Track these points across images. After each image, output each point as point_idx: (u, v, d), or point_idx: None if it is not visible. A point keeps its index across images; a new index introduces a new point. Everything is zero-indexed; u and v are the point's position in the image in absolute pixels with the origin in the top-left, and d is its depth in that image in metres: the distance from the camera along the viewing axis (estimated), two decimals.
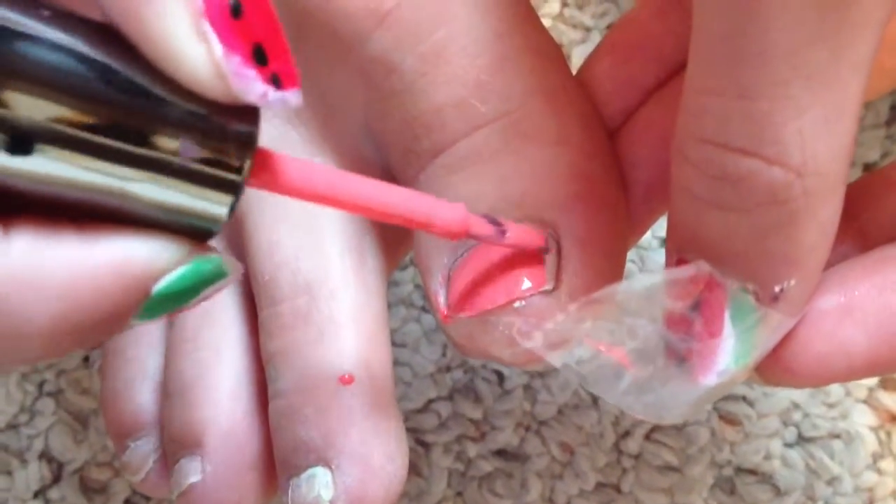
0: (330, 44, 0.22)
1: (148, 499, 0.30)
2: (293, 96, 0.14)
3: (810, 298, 0.18)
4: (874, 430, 0.30)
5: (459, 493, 0.30)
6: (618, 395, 0.18)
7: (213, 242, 0.25)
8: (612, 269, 0.20)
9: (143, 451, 0.24)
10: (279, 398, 0.22)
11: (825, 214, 0.17)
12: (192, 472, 0.23)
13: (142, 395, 0.24)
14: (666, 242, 0.19)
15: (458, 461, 0.30)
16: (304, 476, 0.22)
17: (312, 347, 0.22)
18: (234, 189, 0.14)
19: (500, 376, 0.30)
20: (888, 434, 0.30)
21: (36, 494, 0.30)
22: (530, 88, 0.21)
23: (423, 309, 0.31)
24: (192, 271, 0.15)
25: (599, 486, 0.30)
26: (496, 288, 0.20)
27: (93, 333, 0.14)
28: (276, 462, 0.22)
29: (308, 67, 0.22)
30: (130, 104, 0.13)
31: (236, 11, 0.13)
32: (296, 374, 0.22)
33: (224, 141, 0.14)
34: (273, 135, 0.23)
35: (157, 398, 0.24)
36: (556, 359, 0.18)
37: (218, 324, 0.23)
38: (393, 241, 0.24)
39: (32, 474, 0.30)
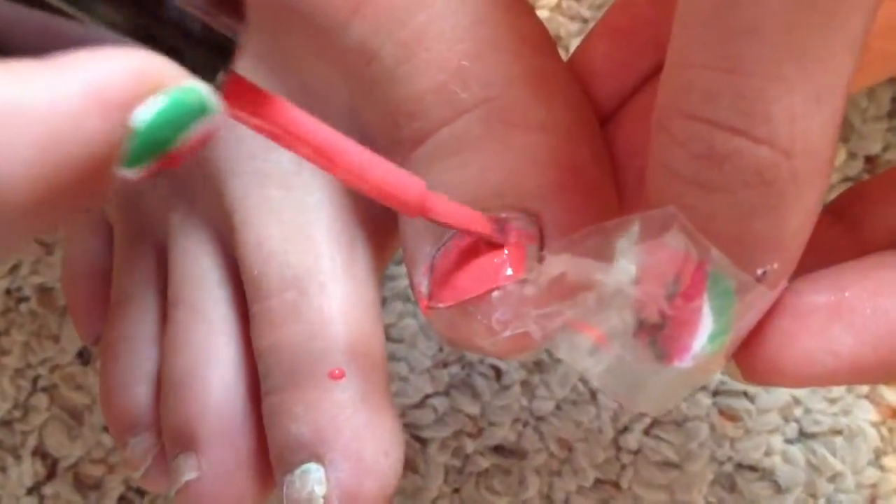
0: (310, 34, 0.21)
1: (142, 495, 0.30)
2: None
3: (794, 291, 0.18)
4: (876, 425, 0.29)
5: (456, 490, 0.30)
6: (593, 372, 0.18)
7: (201, 240, 0.24)
8: None
9: (143, 447, 0.24)
10: (271, 395, 0.22)
11: (811, 197, 0.16)
12: (189, 468, 0.22)
13: (140, 392, 0.24)
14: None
15: (455, 457, 0.30)
16: (297, 472, 0.21)
17: (302, 343, 0.22)
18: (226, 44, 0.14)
19: (498, 372, 0.30)
20: (890, 430, 0.29)
21: (30, 491, 0.30)
22: (513, 74, 0.20)
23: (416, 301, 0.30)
24: (174, 101, 0.13)
25: (598, 482, 0.29)
26: (476, 277, 0.19)
27: (79, 186, 0.12)
28: (271, 458, 0.22)
29: (290, 59, 0.22)
30: None
31: None
32: (286, 369, 0.22)
33: (206, 43, 0.14)
34: None
35: (155, 394, 0.24)
36: (536, 334, 0.18)
37: (210, 319, 0.23)
38: (385, 234, 0.23)
39: (26, 470, 0.30)
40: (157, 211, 0.25)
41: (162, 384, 0.23)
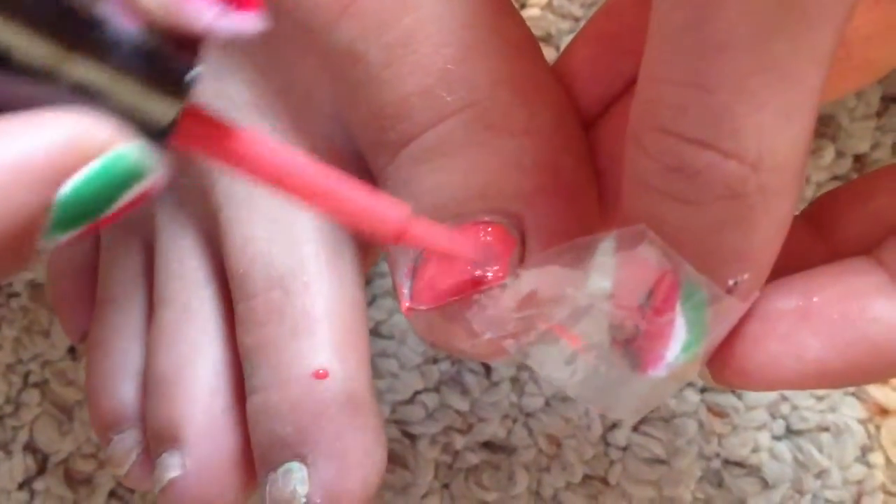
0: (296, 35, 0.21)
1: (132, 491, 0.30)
2: (247, 21, 0.13)
3: (763, 295, 0.18)
4: (863, 422, 0.29)
5: (446, 486, 0.30)
6: (570, 383, 0.18)
7: (188, 237, 0.24)
8: None
9: (127, 444, 0.24)
10: (255, 394, 0.22)
11: (781, 210, 0.16)
12: (173, 466, 0.22)
13: (124, 389, 0.24)
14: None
15: (445, 453, 0.30)
16: (280, 471, 0.21)
17: (286, 342, 0.22)
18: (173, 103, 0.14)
19: (488, 368, 0.30)
20: (877, 427, 0.29)
21: (21, 486, 0.30)
22: (498, 78, 0.20)
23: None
24: (104, 171, 0.13)
25: (587, 478, 0.30)
26: (457, 280, 0.20)
27: (1, 253, 0.12)
28: (254, 457, 0.22)
29: (276, 59, 0.22)
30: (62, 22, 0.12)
31: None
32: (270, 369, 0.22)
33: (164, 72, 0.13)
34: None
35: (141, 391, 0.24)
36: (511, 347, 0.18)
37: (196, 318, 0.23)
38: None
39: (17, 466, 0.30)
40: (143, 209, 0.25)
41: (147, 382, 0.24)
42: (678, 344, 0.17)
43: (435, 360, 0.30)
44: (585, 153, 0.21)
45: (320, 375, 0.21)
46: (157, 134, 0.14)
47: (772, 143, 0.15)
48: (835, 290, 0.18)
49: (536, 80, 0.21)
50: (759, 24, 0.15)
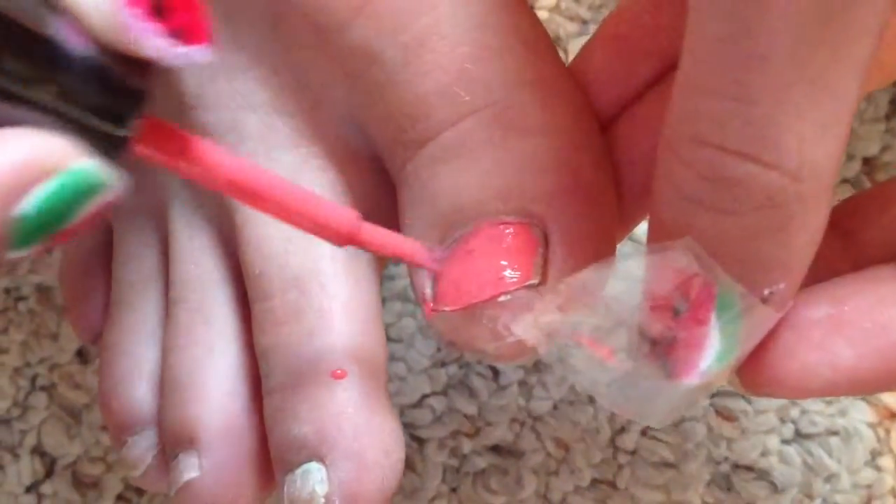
0: (311, 35, 0.21)
1: (140, 494, 0.30)
2: (197, 53, 0.14)
3: (794, 304, 0.18)
4: (872, 426, 0.29)
5: (454, 490, 0.30)
6: (601, 390, 0.18)
7: (203, 238, 0.24)
8: (598, 258, 0.20)
9: (142, 446, 0.24)
10: (272, 394, 0.22)
11: (817, 219, 0.16)
12: (190, 468, 0.22)
13: (139, 391, 0.24)
14: (647, 242, 0.18)
15: (453, 457, 0.30)
16: (298, 472, 0.21)
17: (303, 342, 0.22)
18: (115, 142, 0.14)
19: (496, 372, 0.30)
20: (887, 431, 0.29)
21: (28, 489, 0.30)
22: (516, 78, 0.20)
23: (419, 304, 0.30)
24: (63, 186, 0.13)
25: (595, 482, 0.30)
26: (482, 281, 0.19)
27: None
28: (272, 458, 0.22)
29: (291, 59, 0.22)
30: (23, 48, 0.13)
31: None
32: (287, 369, 0.22)
33: (114, 94, 0.14)
34: (258, 126, 0.22)
35: (155, 393, 0.24)
36: (542, 349, 0.18)
37: (212, 319, 0.23)
38: None
39: (25, 469, 0.30)
40: (157, 210, 0.25)
41: (163, 383, 0.23)
42: (712, 352, 0.17)
43: (443, 364, 0.30)
44: (604, 153, 0.21)
45: (338, 376, 0.21)
46: (113, 148, 0.14)
47: (812, 153, 0.15)
48: (865, 299, 0.18)
49: (554, 80, 0.21)
50: (801, 35, 0.15)
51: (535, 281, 0.19)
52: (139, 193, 0.25)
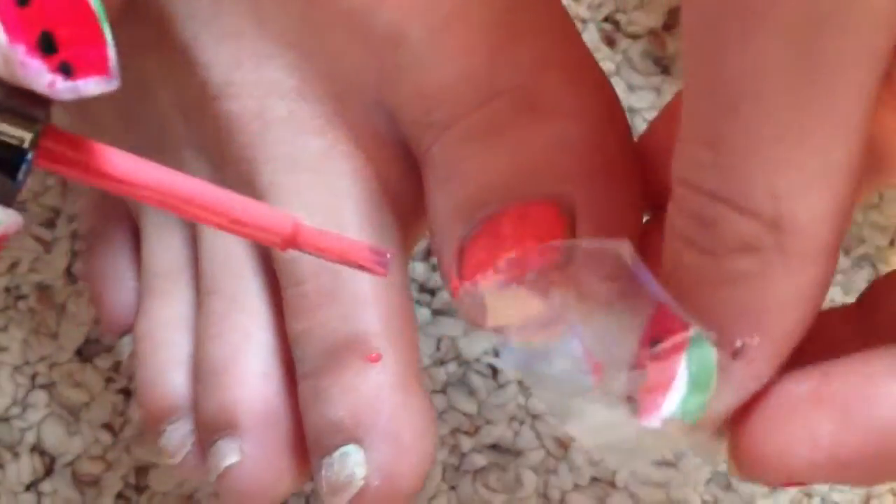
0: (339, 19, 0.21)
1: (140, 492, 0.30)
2: (90, 84, 0.14)
3: (776, 368, 0.17)
4: None
5: (453, 488, 0.30)
6: (568, 405, 0.18)
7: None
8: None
9: (180, 434, 0.24)
10: (307, 378, 0.22)
11: (804, 275, 0.16)
12: (230, 453, 0.22)
13: (176, 379, 0.24)
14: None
15: (452, 455, 0.30)
16: (335, 455, 0.21)
17: (338, 326, 0.22)
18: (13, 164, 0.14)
19: (495, 370, 0.30)
20: None
21: (28, 487, 0.30)
22: (543, 61, 0.20)
23: (419, 302, 0.30)
24: None
25: (594, 480, 0.30)
26: (509, 261, 0.19)
27: None
28: (308, 443, 0.22)
29: (320, 44, 0.22)
30: None
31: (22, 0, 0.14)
32: (322, 353, 0.22)
33: (14, 106, 0.14)
34: (285, 113, 0.23)
35: (191, 382, 0.24)
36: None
37: (246, 306, 0.23)
38: (411, 217, 0.23)
39: (24, 467, 0.30)
40: None
41: (198, 372, 0.23)
42: (677, 397, 0.17)
43: (442, 363, 0.30)
44: (628, 134, 0.21)
45: (373, 358, 0.21)
46: (14, 161, 0.14)
47: (791, 206, 0.15)
48: (854, 375, 0.17)
49: (579, 63, 0.21)
50: (775, 90, 0.14)
51: (562, 261, 0.19)
52: None
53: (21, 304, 0.31)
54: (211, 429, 0.23)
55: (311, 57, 0.22)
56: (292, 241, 0.17)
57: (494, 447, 0.30)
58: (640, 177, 0.21)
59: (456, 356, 0.30)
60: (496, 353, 0.30)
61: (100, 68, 0.14)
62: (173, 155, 0.24)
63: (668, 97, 0.32)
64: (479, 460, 0.30)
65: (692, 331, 0.17)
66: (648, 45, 0.32)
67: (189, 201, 0.16)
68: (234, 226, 0.17)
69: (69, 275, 0.31)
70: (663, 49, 0.32)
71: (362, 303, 0.22)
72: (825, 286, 0.16)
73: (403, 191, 0.23)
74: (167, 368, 0.24)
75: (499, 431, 0.30)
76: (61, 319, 0.31)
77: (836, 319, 0.19)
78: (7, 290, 0.31)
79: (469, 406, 0.30)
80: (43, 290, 0.31)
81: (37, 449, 0.30)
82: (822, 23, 0.14)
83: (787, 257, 0.15)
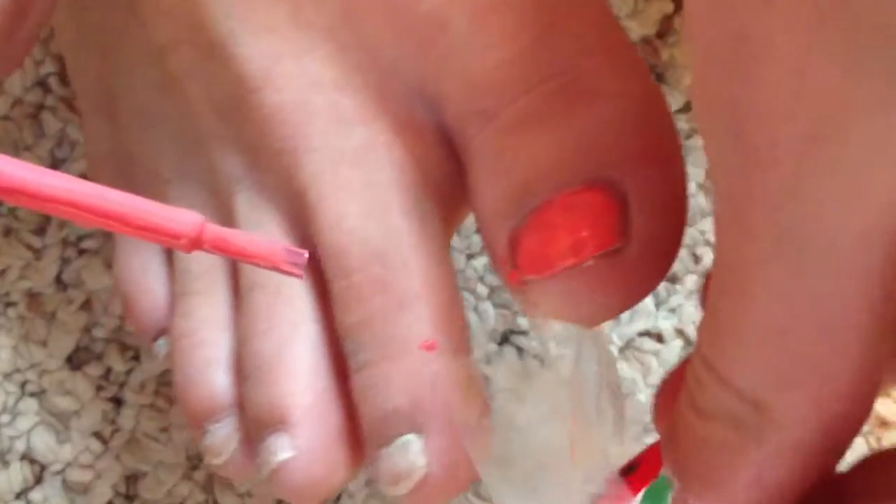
0: (378, 7, 0.21)
1: (130, 500, 0.30)
2: None
3: None
4: (864, 435, 0.29)
5: None
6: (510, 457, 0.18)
7: (271, 221, 0.24)
8: (676, 223, 0.20)
9: (225, 432, 0.24)
10: (363, 370, 0.22)
11: (780, 469, 0.16)
12: (282, 448, 0.22)
13: (219, 377, 0.24)
14: None
15: None
16: (396, 444, 0.21)
17: (392, 316, 0.22)
18: None
19: (486, 378, 0.30)
20: (878, 439, 0.29)
21: (18, 496, 0.30)
22: (588, 46, 0.20)
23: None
24: None
25: None
26: (564, 248, 0.19)
27: None
28: (364, 434, 0.22)
29: (359, 34, 0.22)
30: None
31: None
32: (377, 344, 0.22)
33: None
34: (326, 105, 0.22)
35: (234, 380, 0.24)
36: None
37: (292, 301, 0.23)
38: (452, 205, 0.23)
39: (14, 476, 0.30)
40: (217, 197, 0.24)
41: (244, 369, 0.23)
42: None
43: None
44: (671, 119, 0.21)
45: (428, 347, 0.21)
46: None
47: (768, 398, 0.15)
48: None
49: (620, 47, 0.21)
50: (755, 290, 0.15)
51: (618, 245, 0.19)
52: (194, 182, 0.25)
53: (11, 312, 0.31)
54: (261, 425, 0.23)
55: (349, 48, 0.22)
56: (198, 243, 0.17)
57: None
58: (683, 161, 0.21)
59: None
60: (488, 361, 0.30)
61: None
62: (200, 150, 0.24)
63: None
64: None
65: (663, 471, 0.17)
66: (642, 52, 0.31)
67: (84, 207, 0.16)
68: (134, 230, 0.16)
69: (59, 282, 0.31)
70: (657, 57, 0.32)
71: (414, 292, 0.22)
72: (806, 479, 0.16)
73: (443, 178, 0.23)
74: (209, 367, 0.24)
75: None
76: (51, 327, 0.31)
77: None
78: None
79: None
80: (33, 297, 0.31)
81: (27, 457, 0.30)
82: (806, 247, 0.14)
83: (762, 445, 0.15)
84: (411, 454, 0.21)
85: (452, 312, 0.22)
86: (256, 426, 0.23)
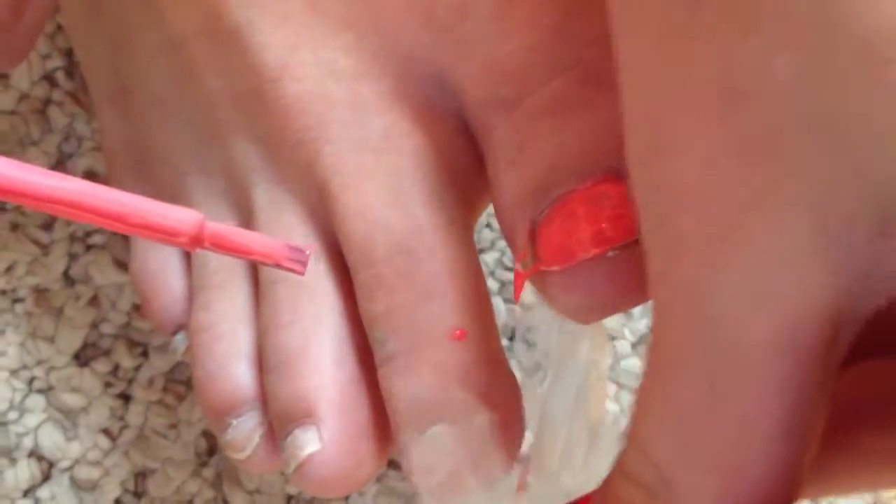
0: None
1: (139, 497, 0.30)
2: None
3: None
4: None
5: None
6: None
7: (291, 212, 0.24)
8: None
9: (248, 426, 0.23)
10: (391, 360, 0.22)
11: None
12: (310, 441, 0.22)
13: (240, 371, 0.24)
14: None
15: None
16: (427, 434, 0.21)
17: (420, 306, 0.22)
18: None
19: None
20: None
21: (26, 493, 0.30)
22: (603, 34, 0.20)
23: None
24: None
25: None
26: (585, 239, 0.19)
27: None
28: (394, 425, 0.22)
29: (377, 22, 0.22)
30: None
31: None
32: (407, 334, 0.22)
33: None
34: (345, 94, 0.22)
35: (255, 373, 0.24)
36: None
37: (315, 293, 0.23)
38: (473, 193, 0.23)
39: (22, 473, 0.30)
40: (236, 190, 0.24)
41: (267, 362, 0.23)
42: None
43: None
44: None
45: (457, 336, 0.21)
46: None
47: (673, 475, 0.15)
48: None
49: None
50: (663, 375, 0.15)
51: (639, 236, 0.19)
52: (212, 174, 0.25)
53: (18, 308, 0.30)
54: (286, 419, 0.22)
55: (368, 36, 0.22)
56: (199, 241, 0.17)
57: None
58: None
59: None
60: None
61: None
62: (218, 142, 0.24)
63: None
64: None
65: None
66: None
67: (85, 208, 0.16)
68: (134, 229, 0.16)
69: (67, 278, 0.31)
70: None
71: (441, 281, 0.22)
72: None
73: (463, 166, 0.23)
74: (230, 360, 0.24)
75: None
76: (59, 323, 0.30)
77: None
78: (4, 293, 0.31)
79: None
80: (40, 293, 0.31)
81: (34, 454, 0.30)
82: (715, 345, 0.14)
83: None
84: (445, 444, 0.21)
85: (479, 300, 0.22)
86: (281, 420, 0.23)
